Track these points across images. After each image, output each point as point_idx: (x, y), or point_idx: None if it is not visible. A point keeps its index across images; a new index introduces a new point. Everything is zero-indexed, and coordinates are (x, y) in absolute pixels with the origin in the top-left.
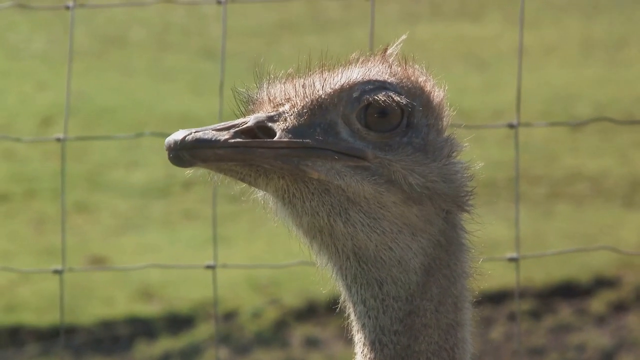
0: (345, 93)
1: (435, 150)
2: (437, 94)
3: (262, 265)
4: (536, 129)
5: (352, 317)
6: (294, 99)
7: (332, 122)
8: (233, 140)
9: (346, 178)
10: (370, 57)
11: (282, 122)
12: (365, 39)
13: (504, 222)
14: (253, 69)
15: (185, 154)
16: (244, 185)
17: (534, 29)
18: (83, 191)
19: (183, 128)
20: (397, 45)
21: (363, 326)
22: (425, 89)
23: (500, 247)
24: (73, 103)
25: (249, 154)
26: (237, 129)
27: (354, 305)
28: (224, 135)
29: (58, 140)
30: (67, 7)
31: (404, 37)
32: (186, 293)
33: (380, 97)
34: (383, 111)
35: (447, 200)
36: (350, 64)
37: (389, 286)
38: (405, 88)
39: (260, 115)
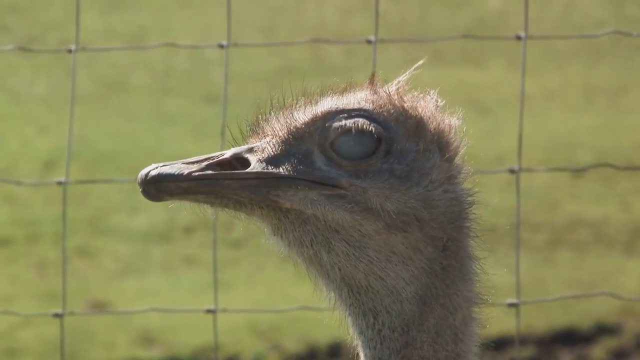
0: (319, 122)
1: (421, 176)
2: (434, 118)
3: (263, 310)
4: (537, 175)
5: (358, 348)
6: (276, 130)
7: (308, 151)
8: (198, 173)
9: (320, 207)
10: (359, 86)
11: (259, 153)
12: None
13: (504, 268)
14: (252, 111)
15: (151, 188)
16: (244, 216)
17: (535, 75)
18: (84, 235)
19: None
20: (396, 82)
21: (365, 356)
22: (413, 114)
23: (501, 292)
24: (74, 147)
25: (215, 185)
26: (211, 161)
27: (357, 336)
28: (191, 168)
29: (59, 183)
30: (69, 51)
31: (404, 76)
32: (187, 338)
33: (351, 125)
34: (355, 139)
35: (435, 227)
36: (335, 94)
37: (383, 316)
38: (385, 115)
39: (241, 147)
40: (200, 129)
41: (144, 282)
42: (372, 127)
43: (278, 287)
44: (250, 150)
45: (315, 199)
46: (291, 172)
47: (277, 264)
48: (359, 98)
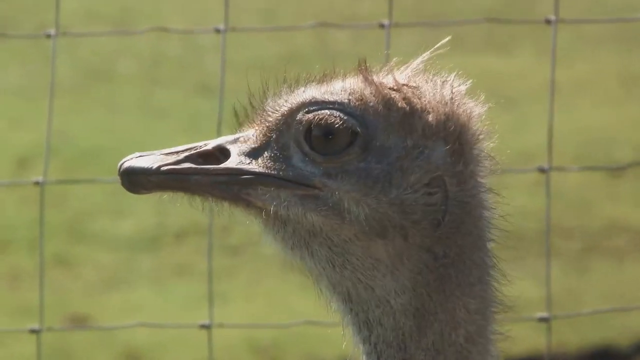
0: (295, 113)
1: (403, 177)
2: (441, 107)
3: (263, 325)
4: (569, 175)
5: None
6: (261, 120)
7: (285, 145)
8: (167, 167)
9: (292, 208)
10: (349, 74)
11: (241, 144)
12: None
13: (533, 279)
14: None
15: (125, 180)
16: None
17: (567, 63)
18: (63, 242)
19: None
20: (405, 69)
21: None
22: (400, 105)
23: (530, 306)
24: (53, 143)
25: (184, 181)
26: (191, 152)
27: (359, 349)
28: (165, 160)
29: (36, 184)
30: (48, 36)
31: (416, 61)
32: (178, 356)
33: (322, 117)
34: (326, 132)
35: (419, 235)
36: (320, 81)
37: (377, 330)
38: (363, 107)
39: (226, 137)
40: (194, 123)
41: (129, 294)
42: (343, 121)
43: (279, 300)
44: (235, 140)
45: (288, 199)
46: (266, 167)
47: (279, 273)
48: (340, 87)
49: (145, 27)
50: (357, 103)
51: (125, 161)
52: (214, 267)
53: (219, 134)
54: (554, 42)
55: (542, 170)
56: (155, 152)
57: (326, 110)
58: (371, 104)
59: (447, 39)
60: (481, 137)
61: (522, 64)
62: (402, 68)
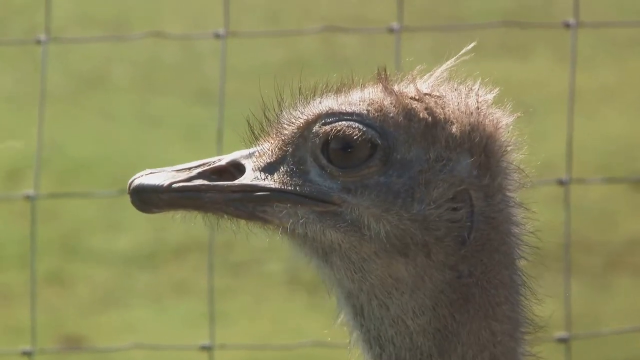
0: (312, 125)
1: (426, 191)
2: (465, 117)
3: (268, 346)
4: (591, 187)
5: None
6: (277, 132)
7: (302, 159)
8: (179, 185)
9: (310, 226)
10: (368, 83)
11: (256, 159)
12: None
13: (552, 296)
14: (259, 107)
15: (136, 199)
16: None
17: (588, 69)
18: (56, 259)
19: None
20: (413, 76)
21: None
22: (421, 116)
23: (548, 326)
24: (44, 154)
25: (197, 199)
26: (205, 168)
27: None
28: (177, 177)
29: (27, 198)
30: (39, 42)
31: (440, 68)
32: None
33: (338, 128)
34: (345, 145)
35: (443, 253)
36: (338, 91)
37: (389, 348)
38: (383, 118)
39: (241, 152)
40: (193, 132)
41: (126, 313)
42: (362, 132)
43: (285, 319)
44: (250, 155)
45: (306, 216)
46: (282, 183)
47: (284, 291)
48: (359, 97)
49: (141, 32)
50: (376, 114)
51: (135, 179)
52: (215, 284)
53: (218, 144)
54: (574, 46)
55: (561, 183)
56: (166, 168)
57: (344, 122)
58: (391, 114)
59: (471, 44)
60: (509, 148)
61: (541, 69)
62: (425, 77)
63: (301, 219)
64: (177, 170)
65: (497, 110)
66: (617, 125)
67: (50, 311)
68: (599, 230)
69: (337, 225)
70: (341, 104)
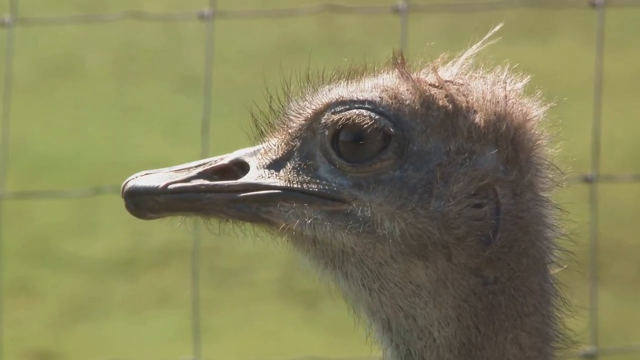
0: (320, 116)
1: (446, 186)
2: (490, 106)
3: None
4: (621, 184)
5: None
6: (284, 126)
7: (310, 154)
8: (176, 185)
9: (319, 227)
10: (383, 68)
11: (261, 156)
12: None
13: (577, 307)
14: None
15: (130, 202)
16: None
17: (619, 52)
18: (22, 266)
19: None
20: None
21: None
22: (441, 104)
23: (580, 340)
24: (10, 150)
25: (195, 201)
26: (206, 167)
27: None
28: (175, 178)
29: None
30: (3, 23)
31: (468, 52)
32: None
33: (348, 117)
34: (356, 136)
35: (465, 254)
36: (349, 78)
37: None
38: (398, 106)
39: (246, 149)
40: (175, 124)
41: (101, 327)
42: (374, 121)
43: (276, 333)
44: (255, 153)
45: (314, 216)
46: (288, 181)
47: (276, 302)
48: (372, 84)
49: (117, 13)
50: (390, 101)
51: (129, 180)
52: (201, 294)
53: (204, 136)
54: (600, 28)
55: (587, 180)
56: (164, 169)
57: (355, 110)
58: (407, 102)
59: (498, 26)
60: (541, 142)
61: (565, 54)
62: (448, 63)
63: (309, 220)
64: (176, 171)
65: (527, 100)
66: None
67: (16, 324)
68: (630, 234)
69: (349, 226)
70: (352, 91)
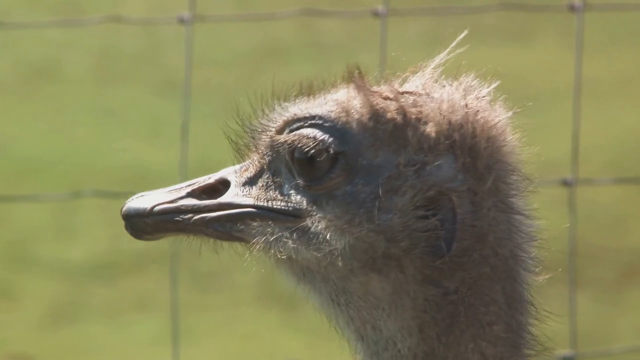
0: (280, 134)
1: (394, 198)
2: (449, 115)
3: None
4: (601, 188)
5: None
6: (254, 144)
7: (277, 171)
8: (161, 207)
9: (283, 245)
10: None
11: (240, 173)
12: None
13: (556, 312)
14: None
15: (127, 225)
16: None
17: (600, 56)
18: (1, 270)
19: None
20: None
21: None
22: (390, 117)
23: (553, 344)
24: None
25: (178, 222)
26: (194, 187)
27: None
28: (164, 199)
29: None
30: None
31: (434, 62)
32: None
33: (295, 138)
34: (306, 156)
35: (417, 266)
36: (313, 95)
37: None
38: (346, 120)
39: (232, 167)
40: (155, 127)
41: (80, 331)
42: (316, 142)
43: (259, 338)
44: (236, 171)
45: (279, 233)
46: (256, 199)
47: (258, 306)
48: (329, 98)
49: (97, 17)
50: (340, 116)
51: (125, 203)
52: (180, 298)
53: (183, 140)
54: (580, 31)
55: (566, 183)
56: (159, 189)
57: (304, 130)
58: (357, 116)
59: (465, 32)
60: (508, 148)
61: (544, 57)
62: (415, 73)
63: (272, 237)
64: (168, 191)
65: (490, 105)
66: (631, 120)
67: None
68: (609, 238)
69: (310, 242)
70: (307, 107)
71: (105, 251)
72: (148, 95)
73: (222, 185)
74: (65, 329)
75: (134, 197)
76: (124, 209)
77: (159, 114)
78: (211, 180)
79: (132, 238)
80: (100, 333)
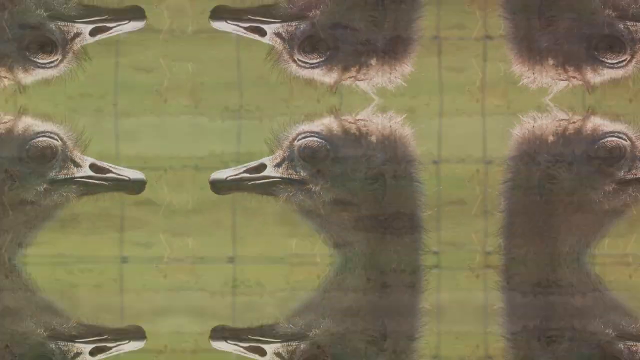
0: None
1: None
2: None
3: None
4: None
5: None
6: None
7: (292, 159)
8: (231, 177)
9: (294, 198)
10: None
11: (272, 160)
12: None
13: None
14: None
15: (212, 186)
16: None
17: None
18: None
19: None
20: None
21: None
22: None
23: None
24: None
25: (241, 184)
26: (248, 167)
27: None
28: (233, 173)
29: None
30: None
31: None
32: None
33: (303, 142)
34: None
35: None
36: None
37: None
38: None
39: (268, 157)
40: None
41: None
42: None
43: None
44: (270, 159)
45: (294, 192)
46: (282, 174)
47: None
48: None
49: None
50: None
51: (211, 175)
52: None
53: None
54: None
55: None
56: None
57: (308, 138)
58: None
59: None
60: None
61: None
62: None
63: (291, 194)
64: (234, 169)
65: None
66: None
67: None
68: None
69: (310, 197)
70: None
71: None
72: None
73: (262, 167)
74: None
75: (216, 172)
76: (210, 177)
77: None
78: (255, 164)
79: None
80: None
